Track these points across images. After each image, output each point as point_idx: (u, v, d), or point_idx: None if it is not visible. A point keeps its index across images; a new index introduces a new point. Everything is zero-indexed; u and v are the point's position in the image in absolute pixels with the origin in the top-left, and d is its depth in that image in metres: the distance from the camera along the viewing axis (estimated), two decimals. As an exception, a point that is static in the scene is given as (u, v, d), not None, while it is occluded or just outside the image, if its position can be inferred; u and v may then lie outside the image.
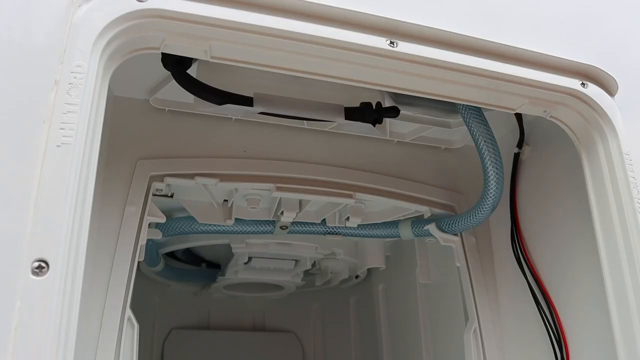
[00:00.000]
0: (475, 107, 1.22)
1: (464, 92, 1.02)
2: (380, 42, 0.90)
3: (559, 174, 1.28)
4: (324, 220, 1.55)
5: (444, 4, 1.01)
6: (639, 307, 0.96)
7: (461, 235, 1.47)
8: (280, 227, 1.53)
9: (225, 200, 1.47)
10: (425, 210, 1.49)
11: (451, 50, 0.95)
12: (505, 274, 1.44)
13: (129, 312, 1.11)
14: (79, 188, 0.68)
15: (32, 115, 0.69)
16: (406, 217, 1.57)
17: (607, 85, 1.08)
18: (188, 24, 0.82)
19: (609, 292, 1.02)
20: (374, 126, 1.34)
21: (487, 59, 0.98)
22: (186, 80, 1.12)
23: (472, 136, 1.24)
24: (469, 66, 0.96)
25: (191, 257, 2.08)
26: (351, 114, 1.28)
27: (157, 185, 1.24)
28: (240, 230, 1.53)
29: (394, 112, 1.31)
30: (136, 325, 1.12)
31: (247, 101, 1.19)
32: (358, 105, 1.30)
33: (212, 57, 0.89)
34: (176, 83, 1.13)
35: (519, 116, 1.36)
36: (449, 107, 1.32)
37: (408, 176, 1.49)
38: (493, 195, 1.26)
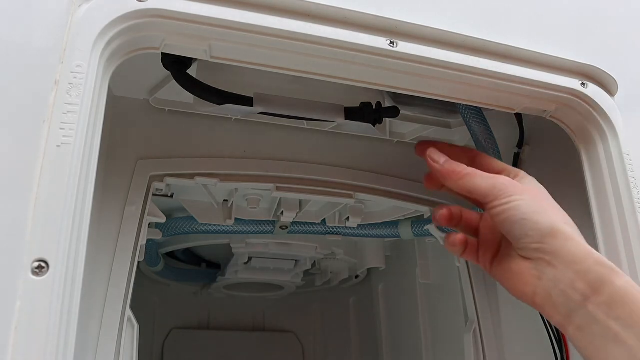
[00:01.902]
0: (475, 107, 1.22)
1: (464, 92, 1.02)
2: (380, 42, 0.90)
3: (559, 174, 1.28)
4: (324, 220, 1.55)
5: (444, 4, 1.00)
6: (639, 307, 0.96)
7: (461, 235, 1.46)
8: (280, 227, 1.53)
9: (225, 200, 1.47)
10: (425, 210, 1.49)
11: (451, 50, 0.95)
12: (505, 274, 1.44)
13: (129, 312, 1.11)
14: (79, 188, 0.68)
15: (32, 115, 0.69)
16: (406, 217, 1.56)
17: (607, 85, 1.08)
18: (188, 24, 0.82)
19: (609, 292, 1.01)
20: (374, 126, 1.34)
21: (487, 59, 0.97)
22: (186, 80, 1.12)
23: (472, 136, 1.24)
24: (469, 66, 0.96)
25: (191, 257, 2.07)
26: (351, 114, 1.27)
27: (157, 185, 1.24)
28: (240, 230, 1.53)
29: (394, 112, 1.30)
30: (136, 325, 1.12)
31: (247, 101, 1.18)
32: (358, 105, 1.30)
33: (212, 57, 0.89)
34: (176, 83, 1.13)
35: (519, 116, 1.36)
36: (449, 107, 1.32)
37: (408, 176, 1.48)
38: (493, 195, 1.26)
